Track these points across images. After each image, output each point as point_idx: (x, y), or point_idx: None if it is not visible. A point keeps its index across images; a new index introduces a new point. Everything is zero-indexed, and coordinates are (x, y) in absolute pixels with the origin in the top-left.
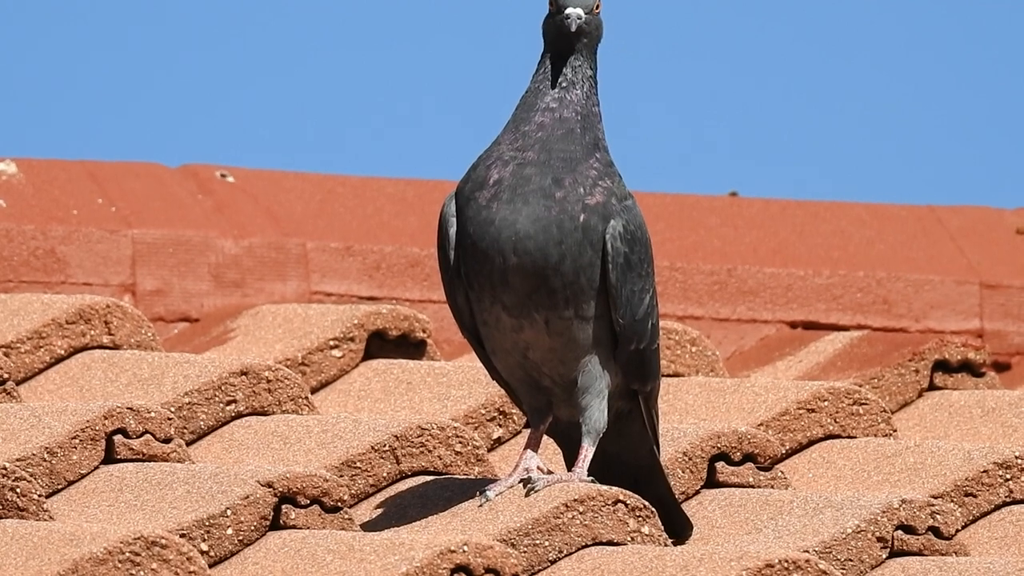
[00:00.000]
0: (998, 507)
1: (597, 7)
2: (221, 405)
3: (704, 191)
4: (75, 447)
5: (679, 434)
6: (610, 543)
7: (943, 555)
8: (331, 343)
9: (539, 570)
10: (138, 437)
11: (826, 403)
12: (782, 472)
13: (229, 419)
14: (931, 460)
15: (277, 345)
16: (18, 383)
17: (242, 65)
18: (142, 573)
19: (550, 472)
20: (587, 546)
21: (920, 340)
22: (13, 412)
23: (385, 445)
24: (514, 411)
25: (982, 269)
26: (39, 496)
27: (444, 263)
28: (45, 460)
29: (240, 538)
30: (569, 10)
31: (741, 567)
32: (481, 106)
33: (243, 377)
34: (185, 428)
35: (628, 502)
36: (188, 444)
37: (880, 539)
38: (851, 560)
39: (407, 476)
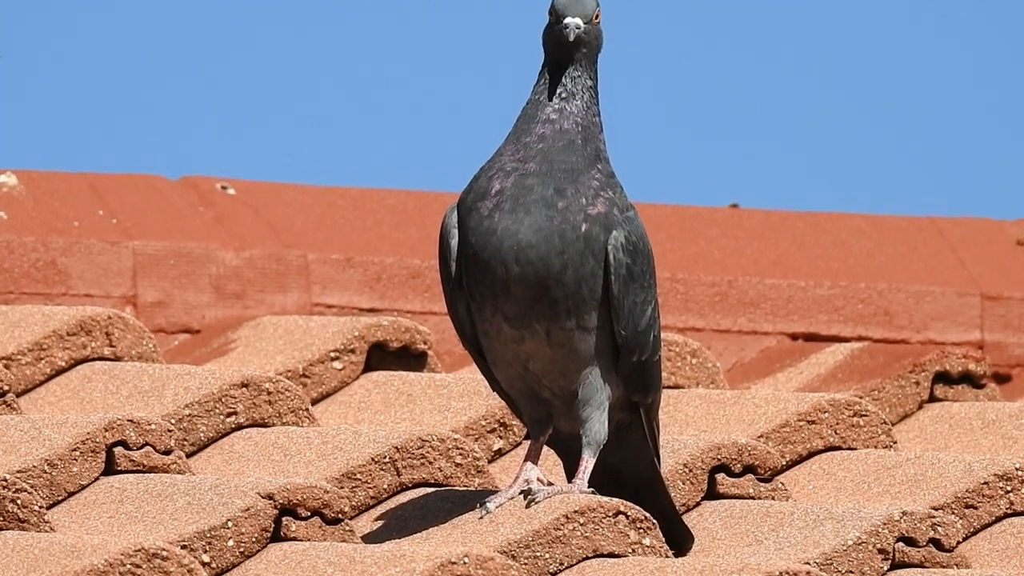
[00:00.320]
0: (999, 519)
1: (596, 17)
2: (222, 417)
3: (705, 202)
4: (76, 459)
5: (679, 446)
6: (611, 555)
7: (944, 567)
8: (332, 355)
9: None
10: (139, 449)
11: (827, 415)
12: (783, 484)
13: (230, 431)
14: (932, 472)
15: (278, 357)
16: (19, 395)
17: (243, 77)
18: None
19: (550, 484)
20: (588, 558)
21: (921, 351)
22: (14, 424)
23: (385, 457)
24: (514, 423)
25: (983, 280)
26: (40, 508)
27: (445, 274)
28: (46, 472)
29: (241, 550)
30: (568, 20)
31: None
32: (482, 118)
33: (244, 389)
34: (186, 440)
35: (629, 514)
36: (189, 456)
37: (881, 551)
38: (852, 572)
39: (407, 488)
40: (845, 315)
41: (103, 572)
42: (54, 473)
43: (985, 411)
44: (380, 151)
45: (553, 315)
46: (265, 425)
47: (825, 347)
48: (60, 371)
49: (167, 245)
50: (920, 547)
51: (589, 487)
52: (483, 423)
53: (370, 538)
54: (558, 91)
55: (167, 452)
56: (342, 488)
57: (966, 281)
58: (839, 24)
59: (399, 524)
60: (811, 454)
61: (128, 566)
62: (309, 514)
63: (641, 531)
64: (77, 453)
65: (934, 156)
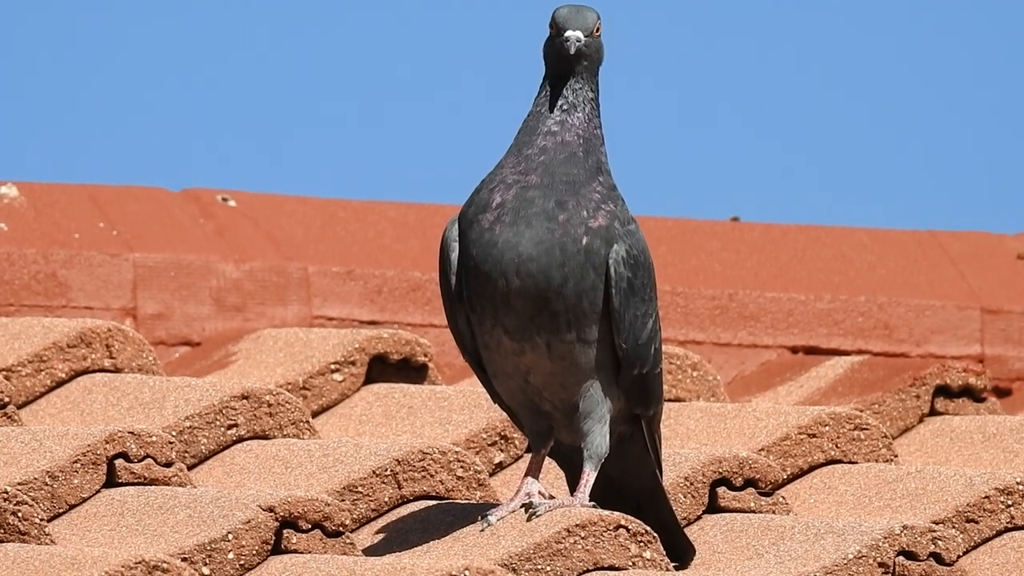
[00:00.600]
0: (999, 533)
1: (597, 30)
2: (222, 429)
3: (705, 215)
4: (76, 471)
5: (680, 459)
6: (612, 568)
7: None
8: (332, 367)
9: None
10: (139, 461)
11: (827, 428)
12: (783, 497)
13: (230, 443)
14: (932, 486)
15: (278, 369)
16: (19, 407)
17: (244, 89)
18: None
19: (551, 497)
20: (589, 571)
21: (921, 365)
22: (14, 436)
23: (387, 469)
24: (516, 435)
25: (983, 294)
26: (40, 520)
27: (445, 287)
28: (46, 484)
29: (241, 562)
30: (568, 33)
31: None
32: (483, 130)
33: (244, 401)
34: (186, 452)
35: (630, 527)
36: (189, 468)
37: (881, 565)
38: None
39: (409, 501)
40: (846, 328)
41: None
42: (55, 485)
43: (986, 425)
44: (381, 163)
45: (554, 328)
46: (266, 437)
47: (826, 360)
48: (60, 383)
49: (167, 257)
50: (921, 561)
51: (590, 500)
52: (484, 436)
53: (371, 551)
54: (559, 103)
55: (168, 464)
56: (343, 501)
57: (966, 295)
58: (840, 37)
59: (400, 537)
60: (812, 468)
61: None
62: (310, 527)
63: (642, 544)
64: (78, 465)
65: (935, 169)
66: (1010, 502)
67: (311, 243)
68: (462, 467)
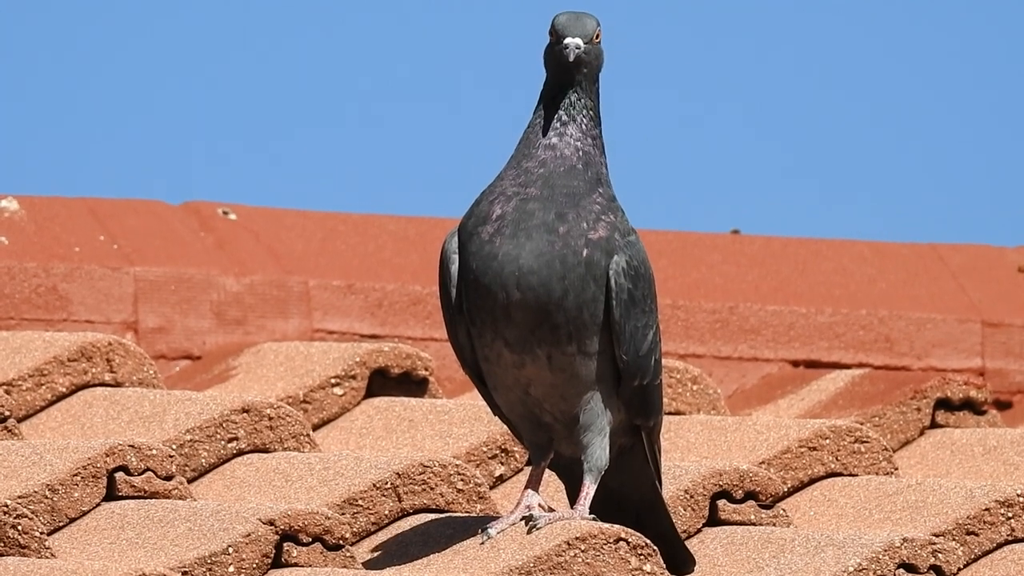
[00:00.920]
0: (1000, 545)
1: (597, 37)
2: (223, 442)
3: (706, 228)
4: (77, 484)
5: (681, 472)
6: None
7: None
8: (333, 381)
9: None
10: (140, 474)
11: (828, 441)
12: (784, 510)
13: (231, 456)
14: (933, 498)
15: (279, 383)
16: (20, 420)
17: (244, 102)
18: None
19: (551, 510)
20: None
21: (922, 378)
22: (15, 449)
23: (387, 483)
24: (516, 448)
25: (984, 307)
26: (41, 533)
27: (445, 299)
28: (47, 497)
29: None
30: (568, 40)
31: None
32: (482, 142)
33: (245, 414)
34: (187, 465)
35: (630, 540)
36: (190, 481)
37: None
38: None
39: (409, 514)
40: (846, 342)
41: None
42: (55, 498)
43: (986, 438)
44: (381, 177)
45: (554, 340)
46: (266, 451)
47: (826, 374)
48: (61, 397)
49: (168, 271)
50: (921, 574)
51: (590, 513)
52: (484, 449)
53: (371, 564)
54: (559, 114)
55: (168, 478)
56: (343, 514)
57: (967, 308)
58: (842, 49)
59: (400, 550)
60: (812, 480)
61: None
62: (310, 540)
63: (642, 557)
64: (78, 478)
65: (935, 182)
66: (1010, 514)
67: (311, 257)
68: (462, 480)
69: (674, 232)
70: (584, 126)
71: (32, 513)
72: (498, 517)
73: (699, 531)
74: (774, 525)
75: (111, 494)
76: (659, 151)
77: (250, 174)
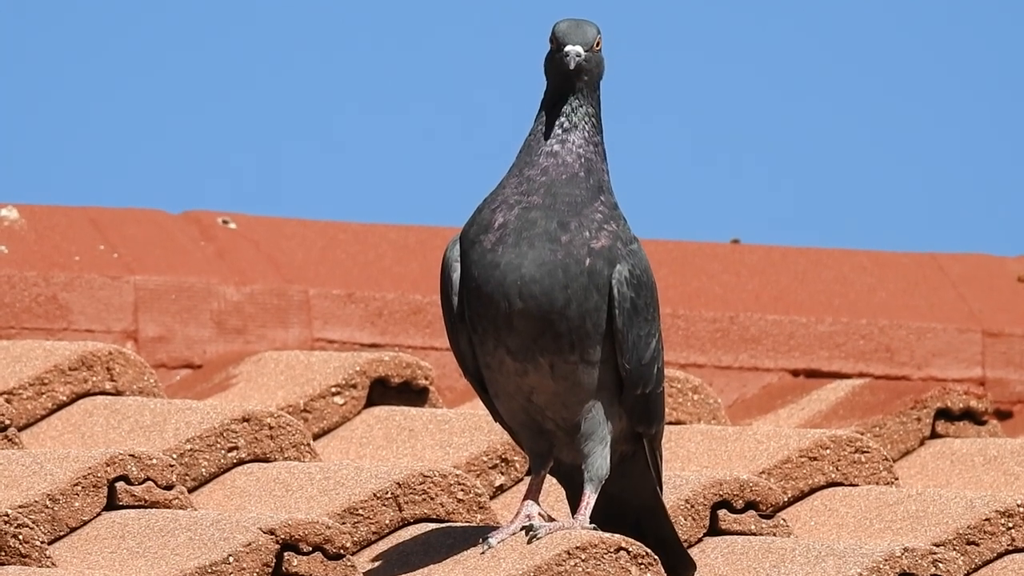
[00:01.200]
0: (1000, 555)
1: (598, 44)
2: (223, 452)
3: (706, 238)
4: (77, 494)
5: (681, 481)
6: None
7: None
8: (333, 390)
9: None
10: (140, 484)
11: (828, 451)
12: (784, 520)
13: (231, 466)
14: (933, 508)
15: (279, 392)
16: (20, 429)
17: (244, 112)
18: None
19: (552, 519)
20: None
21: (922, 388)
22: (15, 459)
23: (387, 492)
24: (516, 458)
25: (984, 317)
26: (41, 543)
27: (447, 307)
28: (47, 507)
29: None
30: (568, 48)
31: None
32: (483, 151)
33: (245, 424)
34: (187, 475)
35: (630, 549)
36: (190, 491)
37: None
38: None
39: (409, 523)
40: (846, 351)
41: None
42: (55, 508)
43: (986, 447)
44: (381, 186)
45: (556, 348)
46: (266, 460)
47: (827, 383)
48: (61, 406)
49: (168, 280)
50: None
51: (591, 523)
52: (485, 459)
53: (372, 574)
54: (560, 122)
55: (169, 487)
56: (344, 523)
57: (967, 317)
58: (841, 61)
59: (401, 560)
60: (813, 490)
61: None
62: (311, 549)
63: (643, 567)
64: (79, 488)
65: (935, 192)
66: (1011, 524)
67: (312, 266)
68: (463, 490)
69: (674, 241)
70: (586, 133)
71: (33, 522)
72: (498, 527)
73: (700, 541)
74: (774, 535)
75: (111, 503)
76: (659, 160)
77: (250, 183)
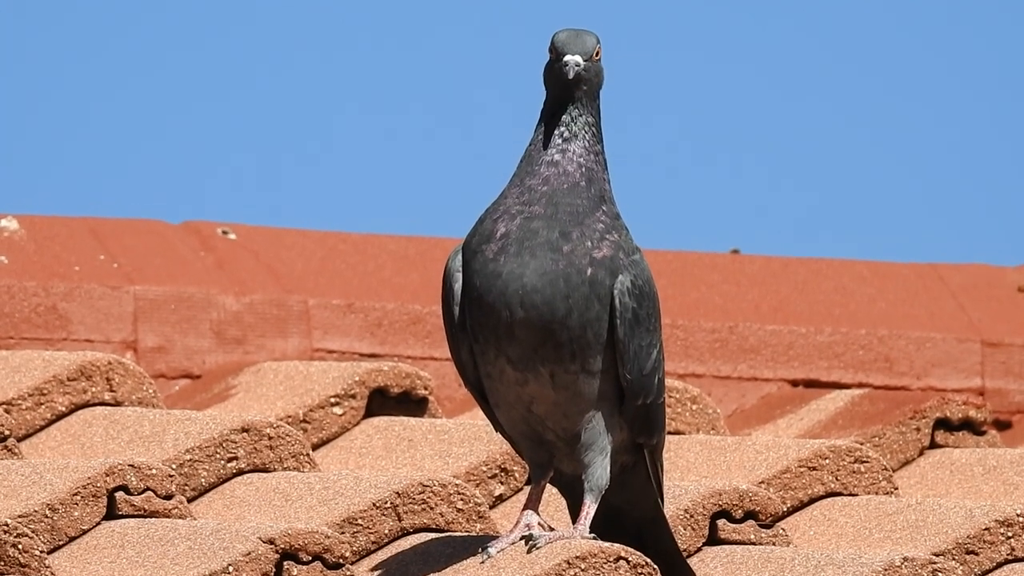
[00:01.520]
0: (1000, 565)
1: (597, 54)
2: (222, 462)
3: (705, 248)
4: (77, 503)
5: (680, 491)
6: None
7: None
8: (332, 400)
9: None
10: (139, 494)
11: (827, 461)
12: (783, 530)
13: (230, 476)
14: (932, 518)
15: (278, 402)
16: (19, 440)
17: (244, 122)
18: None
19: (551, 528)
20: None
21: (921, 398)
22: (14, 468)
23: (387, 502)
24: (516, 468)
25: (983, 327)
26: (41, 552)
27: (448, 317)
28: (47, 516)
29: None
30: (567, 57)
31: None
32: (483, 162)
33: (244, 434)
34: (186, 485)
35: (630, 559)
36: (189, 501)
37: None
38: None
39: (409, 533)
40: (846, 361)
41: None
42: (55, 518)
43: (986, 457)
44: (381, 196)
45: (557, 358)
46: (266, 470)
47: (826, 393)
48: (61, 416)
49: (168, 290)
50: None
51: (591, 532)
52: (484, 469)
53: None
54: (560, 131)
55: (168, 497)
56: (343, 533)
57: (967, 327)
58: (841, 71)
59: (400, 569)
60: (812, 500)
61: None
62: (310, 559)
63: None
64: (78, 498)
65: (935, 202)
66: (1010, 534)
67: (311, 276)
68: (462, 499)
69: (674, 252)
70: (587, 142)
71: (32, 532)
72: (498, 536)
73: (699, 550)
74: (774, 545)
75: (111, 513)
76: (658, 170)
77: (250, 193)
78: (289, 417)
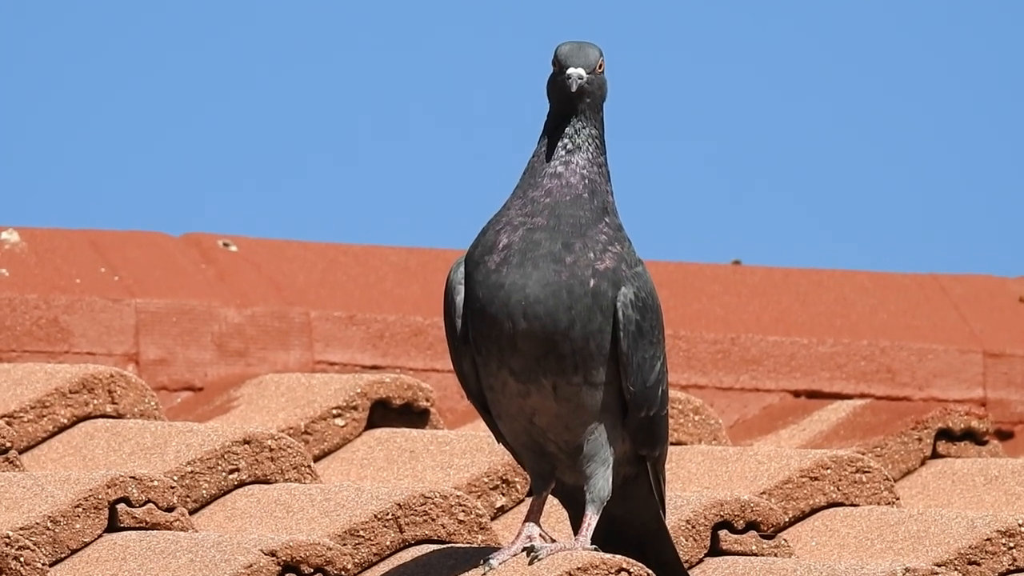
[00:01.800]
0: (1002, 575)
1: (600, 66)
2: (224, 474)
3: (707, 259)
4: (78, 516)
5: (682, 502)
6: None
7: None
8: (334, 412)
9: None
10: (141, 506)
11: (829, 471)
12: (785, 540)
13: (232, 488)
14: (934, 528)
15: (280, 414)
16: (21, 452)
17: (244, 134)
18: None
19: (552, 540)
20: None
21: (923, 408)
22: (16, 481)
23: (388, 514)
24: (517, 479)
25: (985, 337)
26: (42, 565)
27: (450, 329)
28: (48, 529)
29: None
30: (571, 70)
31: None
32: (484, 174)
33: (246, 446)
34: (188, 497)
35: (632, 570)
36: (191, 513)
37: None
38: None
39: (410, 545)
40: (848, 372)
41: None
42: (57, 530)
43: (988, 468)
44: (382, 208)
45: (560, 370)
46: (268, 482)
47: (828, 404)
48: (62, 428)
49: (169, 302)
50: None
51: (592, 543)
52: (486, 480)
53: None
54: (564, 143)
55: (170, 509)
56: (345, 545)
57: (969, 338)
58: (842, 81)
59: None
60: (814, 511)
61: None
62: (312, 571)
63: None
64: (80, 510)
65: (937, 213)
66: (1012, 544)
67: (313, 288)
68: (464, 511)
69: (675, 263)
70: (590, 154)
71: (34, 544)
72: (499, 548)
73: (700, 561)
74: (776, 555)
75: (113, 525)
76: (660, 182)
77: (251, 206)
78: (291, 429)
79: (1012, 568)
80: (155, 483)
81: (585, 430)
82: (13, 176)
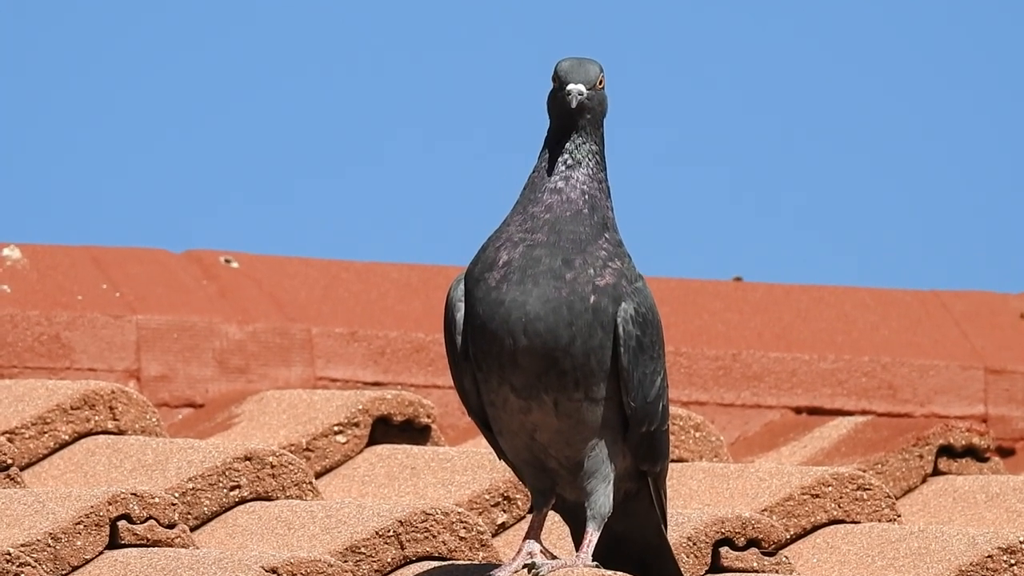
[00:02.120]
0: None
1: (600, 82)
2: (225, 490)
3: (708, 276)
4: (79, 532)
5: (683, 519)
6: None
7: None
8: (335, 428)
9: None
10: (142, 523)
11: (830, 488)
12: (786, 557)
13: (233, 504)
14: (935, 545)
15: (281, 431)
16: (22, 468)
17: (245, 151)
18: None
19: (554, 557)
20: None
21: (924, 425)
22: (17, 498)
23: (389, 530)
24: (518, 496)
25: (986, 354)
26: None
27: (451, 346)
28: (49, 546)
29: None
30: (571, 86)
31: None
32: (485, 190)
33: (247, 462)
34: (189, 513)
35: None
36: (192, 529)
37: None
38: None
39: (411, 561)
40: (849, 389)
41: None
42: (58, 547)
43: (989, 484)
44: (384, 224)
45: (561, 386)
46: (269, 499)
47: (829, 421)
48: (63, 445)
49: (171, 319)
50: None
51: (593, 560)
52: (487, 497)
53: None
54: (564, 159)
55: (171, 526)
56: (346, 562)
57: (970, 355)
58: (843, 98)
59: None
60: (815, 528)
61: None
62: None
63: None
64: (81, 527)
65: (938, 230)
66: (1013, 561)
67: (314, 304)
68: (465, 528)
69: (676, 279)
70: (590, 170)
71: (35, 561)
72: (500, 564)
73: None
74: (777, 572)
75: (114, 542)
76: (661, 198)
77: (252, 222)
78: (292, 445)
79: None
80: (156, 500)
81: (586, 446)
82: (15, 192)
